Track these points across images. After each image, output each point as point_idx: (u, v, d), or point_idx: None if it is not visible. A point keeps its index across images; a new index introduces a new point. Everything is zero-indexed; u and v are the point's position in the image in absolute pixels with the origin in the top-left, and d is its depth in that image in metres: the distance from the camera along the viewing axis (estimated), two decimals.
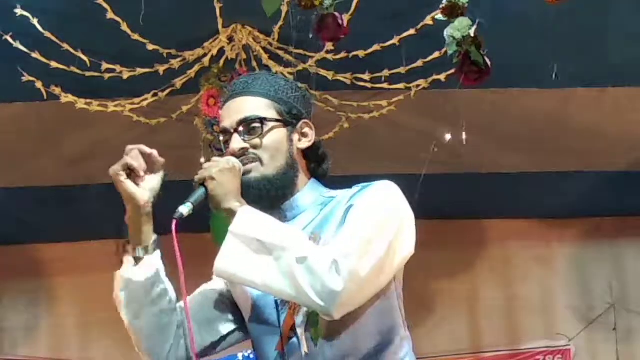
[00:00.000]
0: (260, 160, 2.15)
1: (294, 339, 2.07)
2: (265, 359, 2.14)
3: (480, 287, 6.01)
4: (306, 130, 2.22)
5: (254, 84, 2.22)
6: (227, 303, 2.25)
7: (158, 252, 2.17)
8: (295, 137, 2.20)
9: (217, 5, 3.98)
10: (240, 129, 2.16)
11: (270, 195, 2.14)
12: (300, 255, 1.95)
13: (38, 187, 5.23)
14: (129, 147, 2.15)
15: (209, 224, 4.53)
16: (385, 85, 4.29)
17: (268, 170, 2.15)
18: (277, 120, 2.18)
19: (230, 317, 2.24)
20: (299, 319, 2.06)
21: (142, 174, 2.13)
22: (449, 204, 5.56)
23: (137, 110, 4.40)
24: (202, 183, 2.09)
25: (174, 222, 2.03)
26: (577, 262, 6.01)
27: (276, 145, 2.17)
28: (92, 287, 5.86)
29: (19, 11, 3.83)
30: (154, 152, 2.13)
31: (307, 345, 2.06)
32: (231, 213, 2.04)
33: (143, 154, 2.14)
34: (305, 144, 2.21)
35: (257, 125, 2.16)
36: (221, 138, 2.23)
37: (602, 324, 5.90)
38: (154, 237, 2.15)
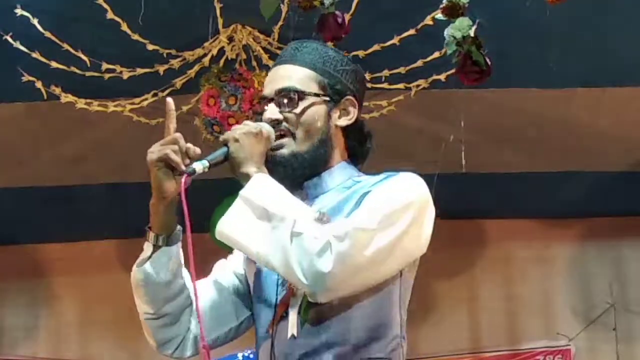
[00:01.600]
0: (293, 135, 2.09)
1: (285, 321, 2.02)
2: (257, 340, 2.10)
3: (480, 287, 6.01)
4: (349, 107, 2.14)
5: (302, 52, 2.15)
6: (240, 286, 2.19)
7: (179, 245, 2.11)
8: (336, 113, 2.13)
9: (217, 5, 3.99)
10: (278, 98, 2.10)
11: (297, 174, 2.09)
12: (297, 230, 1.90)
13: (38, 187, 5.24)
14: (175, 135, 2.05)
15: (209, 224, 4.52)
16: (385, 85, 4.29)
17: (300, 147, 2.09)
18: (317, 95, 2.11)
19: (243, 303, 2.18)
20: (294, 301, 2.01)
21: (182, 168, 2.02)
22: (449, 204, 5.55)
23: (137, 110, 4.40)
24: (226, 143, 2.03)
25: (184, 176, 1.97)
26: (577, 262, 6.01)
27: (312, 121, 2.10)
28: (92, 287, 5.87)
29: (19, 11, 3.84)
30: (191, 147, 2.04)
31: (295, 329, 2.00)
32: (246, 177, 2.00)
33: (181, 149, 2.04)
34: (344, 121, 2.13)
35: (294, 97, 2.10)
36: (258, 108, 2.20)
37: (602, 324, 5.89)
38: (176, 228, 2.09)
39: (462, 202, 5.58)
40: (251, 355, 3.90)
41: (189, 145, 2.02)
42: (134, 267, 2.14)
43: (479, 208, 5.81)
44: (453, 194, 5.44)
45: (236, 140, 2.02)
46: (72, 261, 5.90)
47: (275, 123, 2.09)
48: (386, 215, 1.95)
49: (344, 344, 1.96)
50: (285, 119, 2.09)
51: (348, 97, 2.14)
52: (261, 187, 1.98)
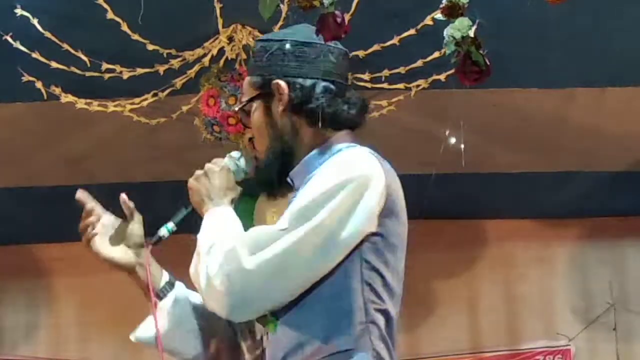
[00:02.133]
0: (255, 146, 2.15)
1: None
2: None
3: (480, 287, 6.01)
4: (274, 91, 2.10)
5: (249, 60, 2.24)
6: None
7: (179, 286, 2.22)
8: (275, 104, 2.11)
9: (217, 5, 3.98)
10: (244, 115, 2.19)
11: (272, 177, 2.10)
12: (203, 260, 1.98)
13: (38, 187, 5.23)
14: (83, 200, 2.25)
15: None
16: (385, 85, 4.29)
17: (260, 154, 2.13)
18: (253, 98, 2.13)
19: None
20: None
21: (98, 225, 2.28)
22: (449, 204, 5.55)
23: (137, 110, 4.40)
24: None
25: (149, 247, 2.15)
26: (577, 262, 6.00)
27: (257, 125, 2.12)
28: (92, 287, 5.86)
29: (19, 11, 3.83)
30: (122, 198, 2.21)
31: (264, 333, 2.05)
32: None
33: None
34: (280, 107, 2.10)
35: (244, 112, 2.16)
36: None
37: (602, 324, 5.89)
38: (164, 277, 2.23)
39: (462, 202, 5.58)
40: None
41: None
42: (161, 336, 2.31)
43: (479, 208, 5.81)
44: (453, 194, 5.45)
45: (190, 189, 2.13)
46: (72, 261, 5.88)
47: (251, 143, 2.17)
48: (298, 211, 1.94)
49: (311, 343, 1.93)
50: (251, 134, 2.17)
51: (273, 81, 2.11)
52: (203, 227, 2.07)
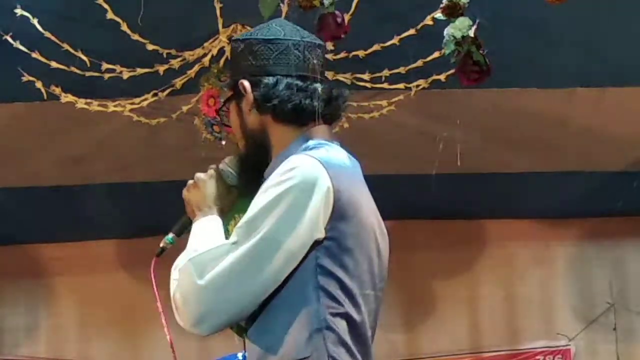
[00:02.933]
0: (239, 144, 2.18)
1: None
2: None
3: (480, 287, 6.01)
4: (244, 90, 2.11)
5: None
6: None
7: None
8: (244, 102, 2.12)
9: (217, 5, 3.98)
10: None
11: (253, 173, 2.13)
12: (173, 276, 2.02)
13: (38, 187, 5.23)
14: None
15: None
16: (385, 85, 4.29)
17: (243, 153, 2.17)
18: (228, 99, 2.17)
19: None
20: None
21: None
22: (449, 204, 5.55)
23: (137, 110, 4.40)
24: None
25: (153, 260, 2.16)
26: (577, 262, 6.01)
27: (233, 125, 2.17)
28: (92, 287, 5.87)
29: (19, 11, 3.83)
30: None
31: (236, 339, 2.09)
32: None
33: None
34: (247, 106, 2.11)
35: (224, 113, 2.24)
36: None
37: (602, 324, 5.89)
38: None
39: (463, 202, 5.58)
40: None
41: None
42: None
43: (479, 208, 5.81)
44: (453, 194, 5.45)
45: (184, 200, 2.17)
46: (72, 261, 5.89)
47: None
48: (244, 224, 1.97)
49: (272, 352, 1.95)
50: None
51: (238, 82, 2.12)
52: (190, 236, 2.10)
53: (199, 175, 2.17)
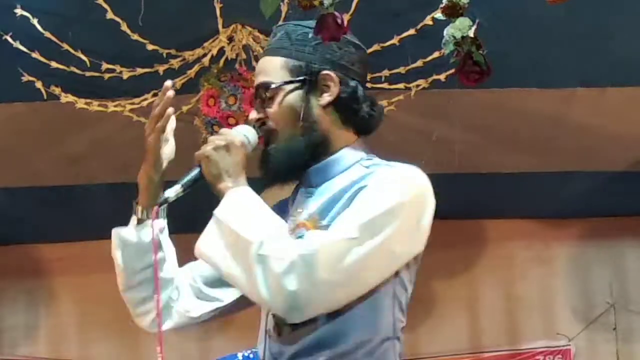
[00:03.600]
0: (276, 131, 2.05)
1: (269, 315, 2.01)
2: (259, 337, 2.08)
3: (480, 287, 6.01)
4: (328, 82, 2.05)
5: (275, 39, 2.11)
6: None
7: (163, 220, 2.10)
8: (316, 94, 2.05)
9: (217, 5, 3.98)
10: (259, 95, 2.08)
11: (291, 167, 2.04)
12: (262, 252, 1.86)
13: (38, 187, 5.23)
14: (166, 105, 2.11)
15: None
16: (385, 85, 4.29)
17: (282, 141, 2.04)
18: (289, 82, 2.04)
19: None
20: None
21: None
22: (449, 204, 5.54)
23: (137, 110, 4.40)
24: (199, 163, 2.02)
25: (155, 208, 2.02)
26: (577, 262, 6.01)
27: (289, 112, 2.04)
28: (92, 287, 5.86)
29: (19, 11, 3.84)
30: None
31: (271, 327, 2.00)
32: (222, 194, 1.98)
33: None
34: (326, 99, 2.05)
35: (269, 93, 2.05)
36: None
37: (602, 324, 5.89)
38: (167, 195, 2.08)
39: (462, 202, 5.58)
40: (251, 355, 3.91)
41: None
42: (119, 234, 2.21)
43: (479, 208, 5.81)
44: (453, 194, 5.44)
45: (207, 158, 2.00)
46: (72, 261, 5.89)
47: (260, 123, 2.06)
48: (367, 223, 1.90)
49: (332, 346, 1.92)
50: (268, 116, 2.06)
51: (323, 72, 2.06)
52: (232, 207, 1.95)
53: (232, 139, 2.02)
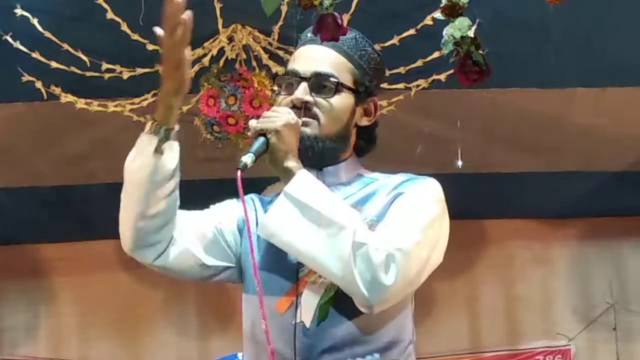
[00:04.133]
0: (319, 120, 2.06)
1: (299, 308, 1.98)
2: (252, 310, 2.02)
3: (480, 287, 6.01)
4: (372, 109, 2.16)
5: (344, 39, 2.13)
6: (228, 240, 2.11)
7: (178, 144, 2.03)
8: (360, 111, 2.13)
9: (217, 5, 3.98)
10: (315, 80, 2.07)
11: (316, 157, 2.05)
12: (359, 240, 1.88)
13: (38, 187, 5.24)
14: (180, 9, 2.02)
15: None
16: (385, 85, 4.29)
17: (323, 132, 2.06)
18: (350, 89, 2.09)
19: (223, 254, 2.11)
20: (314, 289, 1.98)
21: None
22: (449, 204, 5.54)
23: (137, 110, 4.40)
24: (264, 134, 1.98)
25: (239, 172, 1.92)
26: (577, 262, 6.01)
27: (340, 113, 2.08)
28: (92, 287, 5.87)
29: (19, 11, 3.84)
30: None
31: (309, 318, 1.97)
32: (289, 173, 1.96)
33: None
34: (365, 122, 2.14)
35: (331, 85, 2.07)
36: (282, 79, 2.11)
37: (602, 324, 5.90)
38: (177, 126, 2.03)
39: (462, 202, 5.57)
40: None
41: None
42: (136, 158, 2.03)
43: (479, 208, 5.80)
44: (453, 194, 5.43)
45: (277, 132, 1.97)
46: (72, 261, 5.90)
47: (304, 105, 2.05)
48: (424, 227, 1.97)
49: (366, 344, 1.96)
50: (316, 104, 2.06)
51: (373, 97, 2.16)
52: (309, 187, 1.95)
53: (298, 120, 2.02)
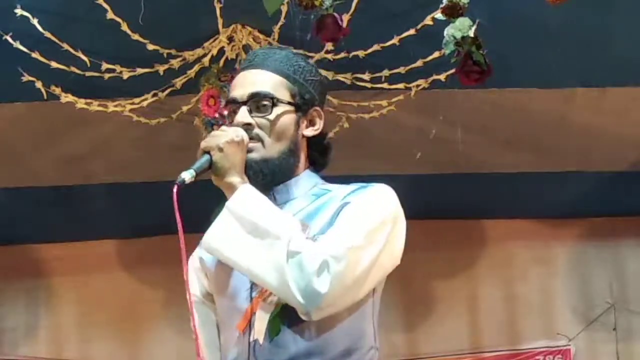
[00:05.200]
0: (262, 141, 2.09)
1: (255, 325, 2.02)
2: (227, 338, 2.09)
3: (480, 287, 6.01)
4: (316, 118, 2.17)
5: (274, 59, 2.15)
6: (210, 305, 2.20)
7: None
8: (304, 123, 2.14)
9: (217, 5, 3.98)
10: (250, 103, 2.10)
11: (267, 179, 2.09)
12: (293, 249, 1.91)
13: (38, 187, 5.23)
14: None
15: (208, 223, 4.50)
16: (385, 85, 4.29)
17: (269, 153, 2.09)
18: (288, 103, 2.12)
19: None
20: (264, 306, 2.01)
21: None
22: (449, 204, 5.55)
23: (137, 110, 4.40)
24: (208, 152, 2.02)
25: (175, 187, 1.97)
26: (577, 262, 6.01)
27: (282, 129, 2.10)
28: (92, 287, 5.87)
29: (19, 11, 3.83)
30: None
31: (261, 335, 2.00)
32: (231, 188, 2.00)
33: None
34: (311, 132, 2.16)
35: (268, 103, 2.10)
36: (224, 110, 2.19)
37: (602, 324, 5.89)
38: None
39: (462, 202, 5.58)
40: None
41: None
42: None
43: (479, 208, 5.81)
44: (453, 194, 5.44)
45: (220, 149, 2.02)
46: (72, 261, 5.89)
47: (246, 128, 2.09)
48: (369, 232, 1.98)
49: (322, 354, 1.97)
50: (257, 125, 2.09)
51: (316, 107, 2.17)
52: (249, 200, 1.99)
53: (244, 137, 2.06)
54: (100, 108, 4.37)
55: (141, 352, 5.78)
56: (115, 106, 4.37)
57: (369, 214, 2.01)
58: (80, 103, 4.33)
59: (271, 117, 2.10)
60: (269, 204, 2.01)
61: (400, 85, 4.30)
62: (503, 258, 6.01)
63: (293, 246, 1.92)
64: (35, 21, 3.87)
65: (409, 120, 4.68)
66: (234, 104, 2.13)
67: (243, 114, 2.10)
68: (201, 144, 2.05)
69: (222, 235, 1.98)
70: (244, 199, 1.99)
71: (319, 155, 2.20)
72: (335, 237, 1.97)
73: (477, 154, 4.98)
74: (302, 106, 2.13)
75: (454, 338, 5.94)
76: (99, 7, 3.82)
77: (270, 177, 2.09)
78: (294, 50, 2.28)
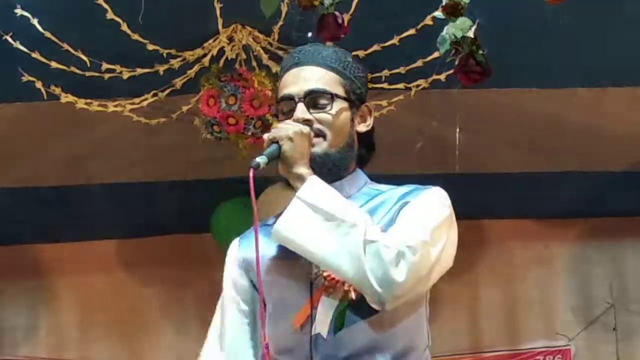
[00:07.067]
0: (324, 136, 2.11)
1: (317, 319, 2.02)
2: (278, 331, 2.08)
3: (480, 287, 6.01)
4: (367, 115, 2.21)
5: (323, 55, 2.17)
6: (248, 313, 2.23)
7: None
8: (357, 119, 2.18)
9: (217, 5, 3.98)
10: (310, 99, 2.12)
11: (327, 173, 2.10)
12: (370, 237, 1.94)
13: (38, 187, 5.23)
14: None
15: (208, 223, 4.52)
16: (385, 85, 4.29)
17: (331, 147, 2.12)
18: (345, 99, 2.14)
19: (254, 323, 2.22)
20: (329, 302, 2.02)
21: None
22: None
23: (137, 110, 4.40)
24: (277, 141, 2.05)
25: (251, 170, 2.00)
26: (577, 262, 6.01)
27: (342, 124, 2.13)
28: (92, 287, 5.87)
29: (19, 11, 3.83)
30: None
31: (325, 329, 2.01)
32: (300, 178, 2.02)
33: None
34: (364, 127, 2.19)
35: (326, 101, 2.12)
36: (279, 106, 2.17)
37: (602, 324, 5.89)
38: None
39: (462, 202, 5.57)
40: None
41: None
42: None
43: (479, 208, 5.80)
44: (453, 194, 5.44)
45: (290, 140, 2.03)
46: (72, 261, 5.89)
47: (306, 124, 2.10)
48: (434, 229, 2.03)
49: (384, 350, 2.01)
50: (318, 120, 2.11)
51: (366, 103, 2.21)
52: (320, 191, 2.01)
53: (310, 130, 2.09)
54: (100, 108, 4.37)
55: (141, 352, 5.78)
56: (115, 106, 4.37)
57: (430, 213, 2.06)
58: (80, 103, 4.33)
59: (331, 112, 2.12)
60: (338, 194, 2.03)
61: (400, 85, 4.30)
62: (503, 258, 6.01)
63: (370, 235, 1.94)
64: (35, 21, 3.87)
65: (409, 121, 4.68)
66: (289, 102, 2.14)
67: (302, 110, 2.11)
68: (267, 135, 2.07)
69: (296, 225, 1.98)
70: (315, 189, 2.01)
71: (366, 152, 2.23)
72: (404, 230, 2.00)
73: (477, 154, 4.98)
74: (355, 102, 2.16)
75: (454, 338, 5.94)
76: (99, 7, 3.82)
77: (333, 171, 2.12)
78: (338, 47, 2.30)
